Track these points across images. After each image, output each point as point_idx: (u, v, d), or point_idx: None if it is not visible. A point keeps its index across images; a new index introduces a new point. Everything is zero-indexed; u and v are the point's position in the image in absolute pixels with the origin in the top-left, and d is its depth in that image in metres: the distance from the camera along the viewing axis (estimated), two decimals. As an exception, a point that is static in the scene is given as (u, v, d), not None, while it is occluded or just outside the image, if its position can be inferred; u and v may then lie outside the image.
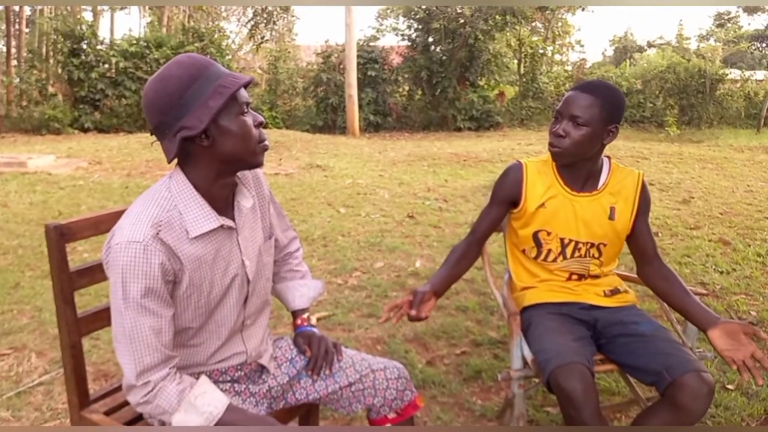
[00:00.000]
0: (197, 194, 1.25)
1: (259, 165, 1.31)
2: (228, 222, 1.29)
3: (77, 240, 1.42)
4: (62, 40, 14.43)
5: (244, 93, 1.25)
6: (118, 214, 1.47)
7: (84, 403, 1.46)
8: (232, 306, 1.35)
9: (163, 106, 1.19)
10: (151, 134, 1.24)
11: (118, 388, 1.57)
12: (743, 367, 1.50)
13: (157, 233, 1.18)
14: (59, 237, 1.35)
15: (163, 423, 1.30)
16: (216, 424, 1.22)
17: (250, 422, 1.24)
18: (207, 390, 1.25)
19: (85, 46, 14.57)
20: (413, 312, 1.63)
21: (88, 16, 17.06)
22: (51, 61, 15.29)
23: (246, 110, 1.25)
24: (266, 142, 1.30)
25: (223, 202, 1.30)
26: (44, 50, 15.38)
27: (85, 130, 14.16)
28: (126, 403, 1.51)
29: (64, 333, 1.40)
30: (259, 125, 1.28)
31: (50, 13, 15.28)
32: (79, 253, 4.10)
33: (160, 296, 1.20)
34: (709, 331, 1.61)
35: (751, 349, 1.51)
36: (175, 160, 1.26)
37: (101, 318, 1.48)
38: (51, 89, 14.77)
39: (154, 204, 1.22)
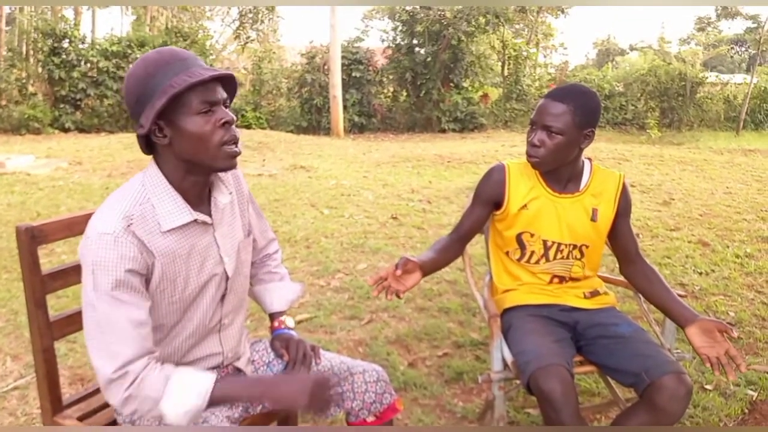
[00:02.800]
0: (171, 188, 1.23)
1: (223, 170, 1.25)
2: (203, 217, 1.27)
3: (50, 242, 1.40)
4: (42, 38, 14.23)
5: (215, 92, 1.19)
6: (91, 216, 1.45)
7: (57, 408, 1.43)
8: (208, 303, 1.33)
9: (128, 101, 1.21)
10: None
11: (93, 393, 1.55)
12: (716, 363, 1.53)
13: (129, 225, 1.16)
14: (30, 239, 1.32)
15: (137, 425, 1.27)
16: (209, 403, 1.18)
17: (243, 390, 1.22)
18: (191, 371, 1.22)
19: (66, 45, 14.37)
20: (396, 284, 1.61)
21: (69, 14, 16.82)
22: (31, 60, 15.06)
23: (206, 109, 1.18)
24: (235, 146, 1.22)
25: (197, 197, 1.28)
26: (24, 49, 15.15)
27: (65, 130, 13.96)
28: (100, 408, 1.49)
29: (36, 337, 1.37)
30: (225, 124, 1.20)
31: (31, 10, 15.04)
32: (57, 255, 4.04)
33: (133, 288, 1.17)
34: (687, 329, 1.63)
35: (726, 347, 1.54)
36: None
37: (75, 321, 1.45)
38: (31, 88, 14.53)
39: (126, 197, 1.21)
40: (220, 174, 1.34)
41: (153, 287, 1.22)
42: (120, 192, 1.23)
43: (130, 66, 1.25)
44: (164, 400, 1.15)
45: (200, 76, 1.16)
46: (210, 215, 1.30)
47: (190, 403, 1.16)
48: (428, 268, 1.79)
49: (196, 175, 1.26)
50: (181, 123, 1.18)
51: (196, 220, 1.26)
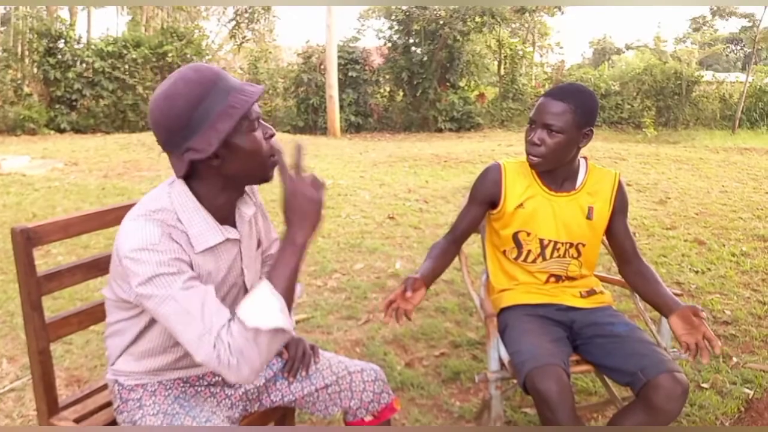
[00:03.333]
0: (200, 206, 1.21)
1: (269, 179, 1.26)
2: (232, 234, 1.27)
3: (45, 244, 1.39)
4: (38, 39, 14.18)
5: (255, 107, 1.19)
6: (88, 217, 1.45)
7: (53, 410, 1.43)
8: None
9: (171, 125, 1.14)
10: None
11: (89, 395, 1.54)
12: (694, 349, 1.55)
13: (170, 235, 1.15)
14: (26, 241, 1.32)
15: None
16: (284, 295, 1.13)
17: (286, 264, 1.15)
18: (245, 302, 1.15)
19: (61, 45, 14.33)
20: (407, 305, 1.63)
21: (64, 14, 16.78)
22: (26, 60, 14.99)
23: (257, 126, 1.19)
24: (276, 157, 1.22)
25: (225, 212, 1.27)
26: (20, 49, 15.09)
27: (61, 131, 13.92)
28: (97, 410, 1.49)
29: (32, 339, 1.37)
30: (270, 137, 1.22)
31: (26, 10, 14.99)
32: (53, 256, 4.03)
33: (192, 276, 1.15)
34: (669, 319, 1.65)
35: (703, 330, 1.55)
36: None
37: (70, 323, 1.45)
38: (26, 89, 14.47)
39: (158, 215, 1.17)
40: (246, 190, 1.34)
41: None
42: (147, 208, 1.18)
43: (163, 88, 1.16)
44: (253, 320, 1.10)
45: (252, 94, 1.16)
46: (235, 226, 1.30)
47: (273, 306, 1.12)
48: (430, 280, 1.81)
49: (232, 191, 1.26)
50: (238, 141, 1.17)
51: (227, 239, 1.26)
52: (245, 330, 1.10)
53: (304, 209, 1.15)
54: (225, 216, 1.27)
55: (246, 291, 1.34)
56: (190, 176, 1.21)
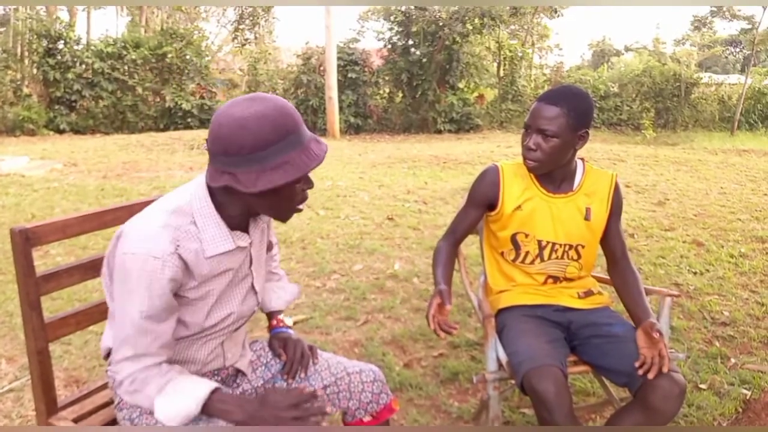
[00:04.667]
0: (217, 214, 1.23)
1: (285, 221, 1.28)
2: (243, 242, 1.28)
3: (44, 244, 1.40)
4: (37, 39, 14.18)
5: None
6: (86, 218, 1.46)
7: (52, 411, 1.43)
8: (229, 316, 1.34)
9: (229, 148, 1.12)
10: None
11: (88, 395, 1.55)
12: (649, 363, 1.56)
13: (176, 248, 1.17)
14: (24, 241, 1.32)
15: (127, 421, 1.28)
16: (203, 410, 1.20)
17: (237, 406, 1.21)
18: (192, 378, 1.24)
19: (61, 46, 14.33)
20: (441, 316, 1.61)
21: (63, 15, 16.78)
22: (26, 61, 14.99)
23: (303, 185, 1.22)
24: (302, 205, 1.25)
25: (240, 222, 1.29)
26: (19, 50, 15.09)
27: (60, 132, 13.92)
28: (96, 410, 1.49)
29: (31, 339, 1.37)
30: (306, 189, 1.24)
31: (26, 11, 14.98)
32: (52, 257, 4.03)
33: (172, 308, 1.20)
34: (636, 330, 1.68)
35: (660, 347, 1.57)
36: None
37: (69, 323, 1.45)
38: (26, 90, 14.48)
39: (173, 214, 1.19)
40: None
41: (185, 301, 1.24)
42: (170, 205, 1.21)
43: (240, 111, 1.13)
44: (158, 398, 1.18)
45: (317, 158, 1.18)
46: (248, 232, 1.31)
47: (183, 405, 1.18)
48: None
49: (253, 214, 1.29)
50: (277, 188, 1.16)
51: (238, 246, 1.27)
52: (149, 398, 1.19)
53: (266, 418, 1.20)
54: (238, 223, 1.28)
55: (255, 292, 1.37)
56: (216, 188, 1.21)
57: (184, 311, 1.25)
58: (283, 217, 1.26)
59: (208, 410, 1.21)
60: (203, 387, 1.21)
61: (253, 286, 1.36)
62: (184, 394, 1.19)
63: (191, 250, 1.20)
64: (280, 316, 1.59)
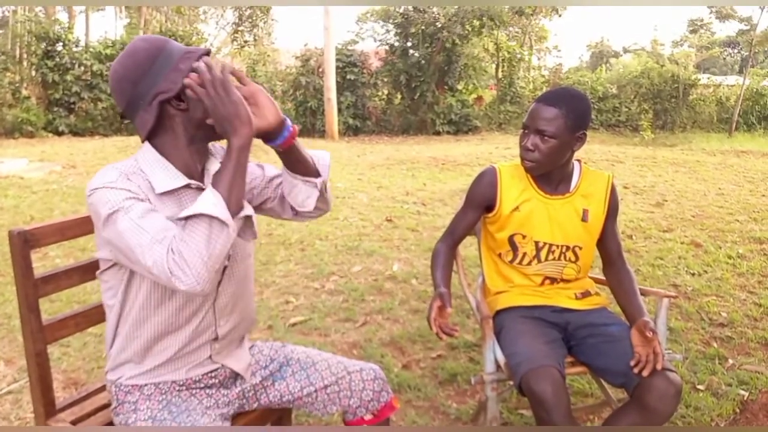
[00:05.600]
0: (163, 159, 1.27)
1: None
2: (196, 183, 1.29)
3: (42, 246, 1.40)
4: (36, 41, 14.18)
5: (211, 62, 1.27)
6: (84, 220, 1.46)
7: (50, 412, 1.44)
8: None
9: (136, 76, 1.22)
10: (122, 117, 1.26)
11: (86, 396, 1.55)
12: (643, 361, 1.57)
13: (127, 177, 1.21)
14: (23, 243, 1.32)
15: None
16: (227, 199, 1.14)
17: (235, 164, 1.16)
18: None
19: (59, 48, 14.33)
20: (442, 320, 1.63)
21: (62, 17, 16.77)
22: (24, 63, 14.98)
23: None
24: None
25: (191, 169, 1.30)
26: (18, 52, 15.08)
27: (59, 134, 13.91)
28: (94, 412, 1.49)
29: (29, 341, 1.37)
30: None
31: (24, 12, 14.98)
32: (51, 259, 4.03)
33: (141, 199, 1.19)
34: (631, 329, 1.68)
35: (654, 345, 1.58)
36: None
37: (67, 325, 1.46)
38: (24, 92, 14.46)
39: (118, 165, 1.25)
40: (212, 149, 1.38)
41: None
42: (112, 164, 1.27)
43: (122, 53, 1.27)
44: (186, 213, 1.12)
45: (203, 48, 1.28)
46: (203, 183, 1.32)
47: (208, 200, 1.13)
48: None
49: (199, 143, 1.30)
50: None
51: (189, 185, 1.28)
52: (180, 223, 1.13)
53: (226, 114, 1.17)
54: (192, 173, 1.30)
55: None
56: (156, 134, 1.27)
57: None
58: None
59: (220, 185, 1.15)
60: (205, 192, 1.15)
61: None
62: (202, 200, 1.13)
63: (142, 188, 1.22)
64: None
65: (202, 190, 1.29)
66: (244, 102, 1.18)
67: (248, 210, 1.19)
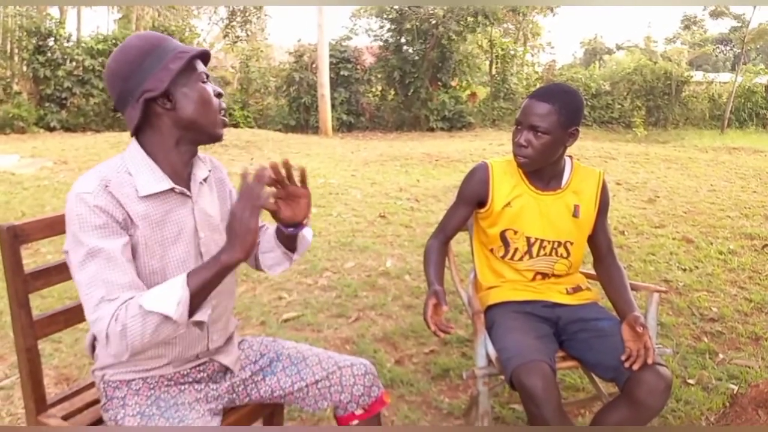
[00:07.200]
0: (150, 160, 1.27)
1: (219, 137, 1.32)
2: (181, 188, 1.30)
3: (32, 241, 1.39)
4: (27, 36, 14.09)
5: (202, 65, 1.29)
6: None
7: (41, 408, 1.43)
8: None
9: (126, 73, 1.23)
10: (114, 110, 1.26)
11: (77, 392, 1.55)
12: (634, 356, 1.58)
13: (106, 186, 1.20)
14: (13, 238, 1.32)
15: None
16: (193, 294, 1.14)
17: (208, 269, 1.15)
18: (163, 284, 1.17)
19: (51, 43, 14.24)
20: (437, 318, 1.63)
21: (54, 12, 16.65)
22: (16, 58, 14.88)
23: (205, 80, 1.29)
24: (224, 116, 1.34)
25: (178, 172, 1.31)
26: (9, 47, 14.97)
27: (50, 129, 13.84)
28: (85, 407, 1.49)
29: (19, 336, 1.36)
30: (219, 96, 1.32)
31: (15, 7, 14.86)
32: (42, 255, 4.01)
33: (115, 231, 1.18)
34: (622, 324, 1.69)
35: (645, 340, 1.59)
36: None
37: (58, 321, 1.45)
38: (16, 87, 14.38)
39: (104, 166, 1.25)
40: (200, 156, 1.39)
41: (131, 251, 1.22)
42: (98, 164, 1.27)
43: (118, 48, 1.27)
44: (148, 301, 1.11)
45: (199, 49, 1.28)
46: (189, 189, 1.33)
47: (175, 297, 1.12)
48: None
49: (185, 145, 1.30)
50: (189, 87, 1.26)
51: (173, 189, 1.28)
52: (138, 307, 1.12)
53: (236, 233, 1.16)
54: (178, 177, 1.31)
55: (202, 258, 1.32)
56: (144, 133, 1.28)
57: (138, 265, 1.23)
58: (212, 127, 1.29)
59: (193, 283, 1.14)
60: (180, 276, 1.15)
61: (199, 249, 1.33)
62: (165, 286, 1.13)
63: (124, 193, 1.21)
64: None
65: (187, 196, 1.31)
66: (258, 232, 1.16)
67: (203, 316, 1.18)
